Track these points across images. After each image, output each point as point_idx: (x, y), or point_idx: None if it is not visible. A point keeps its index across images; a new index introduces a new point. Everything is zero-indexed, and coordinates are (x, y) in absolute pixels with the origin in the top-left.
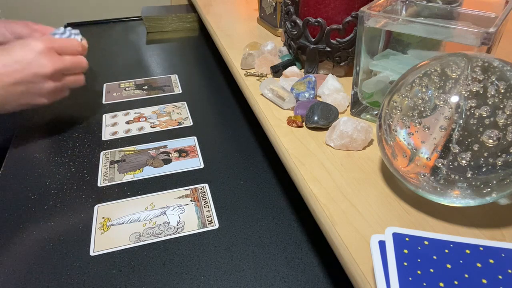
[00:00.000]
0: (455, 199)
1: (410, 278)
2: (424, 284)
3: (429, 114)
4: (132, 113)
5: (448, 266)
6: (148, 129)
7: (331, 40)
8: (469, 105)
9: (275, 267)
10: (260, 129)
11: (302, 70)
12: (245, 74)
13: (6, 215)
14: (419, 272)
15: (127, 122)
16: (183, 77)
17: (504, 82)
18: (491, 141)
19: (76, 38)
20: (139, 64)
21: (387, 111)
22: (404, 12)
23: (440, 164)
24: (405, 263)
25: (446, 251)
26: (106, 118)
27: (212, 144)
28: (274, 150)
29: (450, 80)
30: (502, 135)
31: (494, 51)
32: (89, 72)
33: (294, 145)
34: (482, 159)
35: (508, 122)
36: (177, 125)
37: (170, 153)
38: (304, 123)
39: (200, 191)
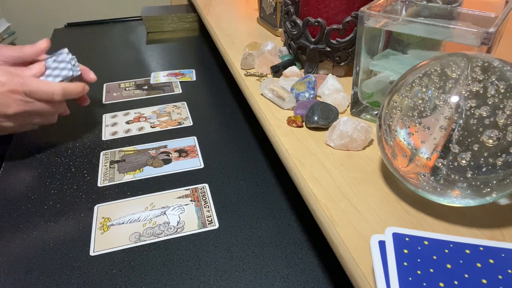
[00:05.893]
0: (455, 199)
1: (410, 278)
2: (424, 284)
3: (429, 114)
4: (132, 113)
5: (448, 266)
6: (148, 129)
7: (331, 40)
8: (469, 105)
9: (275, 267)
10: (260, 129)
11: (302, 70)
12: (245, 74)
13: (6, 215)
14: (419, 272)
15: (127, 122)
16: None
17: (504, 82)
18: (491, 141)
19: (72, 66)
20: (139, 64)
21: (387, 111)
22: (404, 12)
23: (440, 164)
24: (405, 263)
25: (446, 251)
26: (106, 118)
27: (212, 144)
28: (274, 150)
29: (450, 80)
30: (502, 135)
31: (494, 51)
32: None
33: (294, 145)
34: (482, 159)
35: (508, 122)
36: (177, 125)
37: (170, 153)
38: (304, 123)
39: (200, 191)
